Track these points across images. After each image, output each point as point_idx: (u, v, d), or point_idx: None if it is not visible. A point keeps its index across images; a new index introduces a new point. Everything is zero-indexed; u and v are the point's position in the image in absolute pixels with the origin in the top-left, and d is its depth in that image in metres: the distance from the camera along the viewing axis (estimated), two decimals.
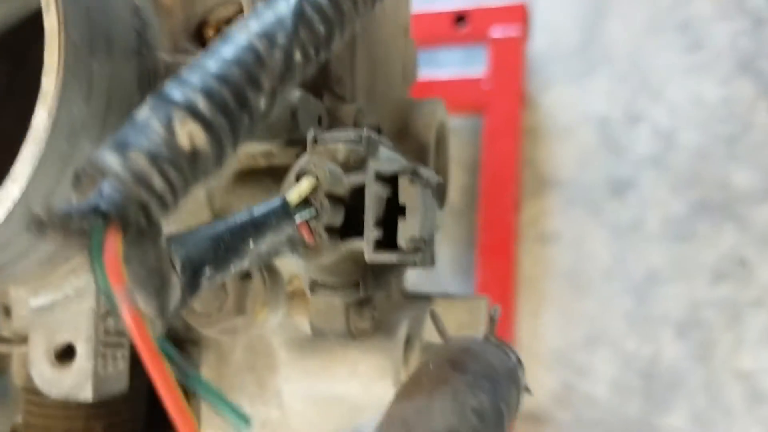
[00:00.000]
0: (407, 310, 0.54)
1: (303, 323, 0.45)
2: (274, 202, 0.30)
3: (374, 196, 0.30)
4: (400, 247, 0.31)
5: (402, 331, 0.48)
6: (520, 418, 1.24)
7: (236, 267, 0.28)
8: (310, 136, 0.34)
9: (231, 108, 0.25)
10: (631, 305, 1.23)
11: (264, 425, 0.50)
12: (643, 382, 1.21)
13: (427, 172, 0.35)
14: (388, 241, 0.32)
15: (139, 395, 0.43)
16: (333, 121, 0.42)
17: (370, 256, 0.30)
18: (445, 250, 1.33)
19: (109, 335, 0.38)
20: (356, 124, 0.42)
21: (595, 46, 1.30)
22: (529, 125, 1.30)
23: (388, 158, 0.34)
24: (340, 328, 0.43)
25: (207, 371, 0.50)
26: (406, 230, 0.31)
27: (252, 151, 0.42)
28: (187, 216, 0.41)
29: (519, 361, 0.43)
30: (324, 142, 0.33)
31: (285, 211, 0.30)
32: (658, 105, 1.26)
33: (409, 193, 0.31)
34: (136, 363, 0.42)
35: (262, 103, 0.26)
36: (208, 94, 0.24)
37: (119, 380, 0.39)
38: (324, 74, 0.44)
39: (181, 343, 0.48)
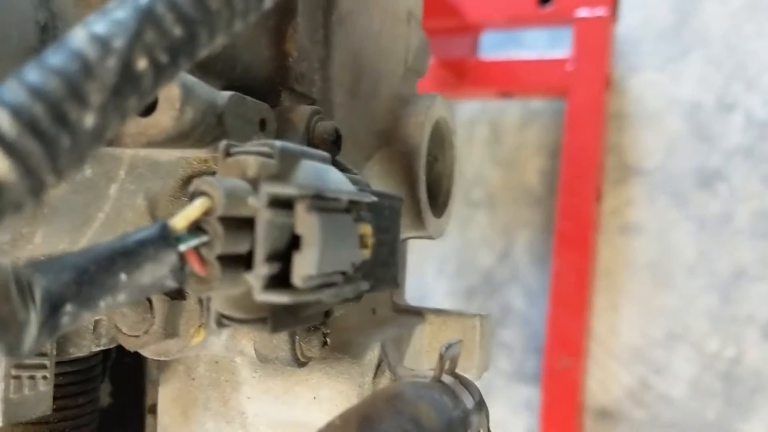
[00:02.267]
0: (390, 328, 0.49)
1: (248, 348, 0.40)
2: (152, 228, 0.25)
3: (267, 225, 0.25)
4: (295, 286, 0.25)
5: (371, 355, 0.43)
6: (592, 413, 1.20)
7: (108, 303, 0.23)
8: (221, 147, 0.28)
9: (44, 128, 0.20)
10: (716, 303, 1.16)
11: None
12: (724, 384, 1.15)
13: (354, 194, 0.30)
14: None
15: (86, 411, 0.40)
16: (284, 125, 0.37)
17: (258, 295, 0.25)
18: (521, 236, 1.28)
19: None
20: (310, 128, 0.37)
21: (688, 28, 1.23)
22: (614, 110, 1.24)
23: (315, 174, 0.28)
24: (284, 355, 0.39)
25: (172, 385, 0.46)
26: (302, 266, 0.25)
27: (187, 156, 0.37)
28: (126, 226, 0.36)
29: (479, 404, 0.38)
30: (236, 154, 0.28)
31: (164, 239, 0.25)
32: (753, 93, 1.18)
33: (306, 223, 0.25)
34: (88, 379, 0.40)
35: (88, 120, 0.21)
36: (16, 111, 0.20)
37: (39, 403, 0.36)
38: (282, 71, 0.38)
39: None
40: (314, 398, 0.43)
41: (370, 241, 0.31)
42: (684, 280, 1.18)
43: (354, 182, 0.32)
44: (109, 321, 0.38)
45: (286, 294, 0.26)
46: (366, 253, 0.31)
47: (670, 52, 1.23)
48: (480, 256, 1.30)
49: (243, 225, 0.26)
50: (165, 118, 0.30)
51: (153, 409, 0.44)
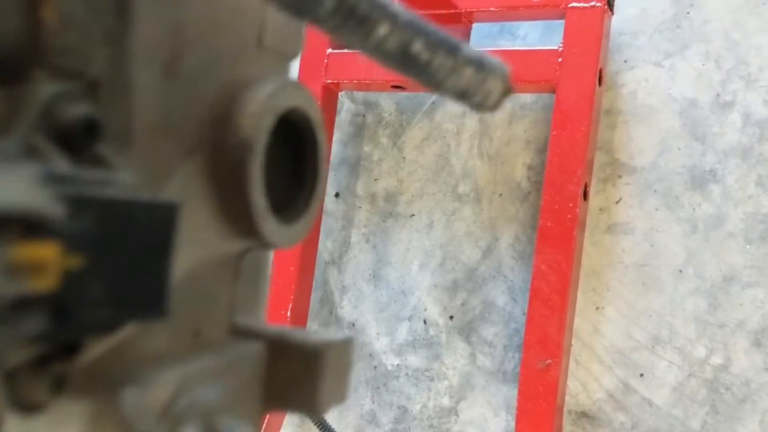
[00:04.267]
0: (208, 357, 0.40)
1: None
2: None
3: None
4: None
5: (157, 396, 0.34)
6: (573, 415, 1.17)
7: None
8: None
9: None
10: (704, 308, 1.12)
11: None
12: (710, 393, 1.11)
13: (12, 208, 0.22)
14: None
15: None
16: (17, 108, 0.30)
17: None
18: (507, 232, 1.25)
19: None
20: (52, 114, 0.29)
21: (688, 22, 1.19)
22: (607, 106, 1.20)
23: None
24: None
25: None
26: None
27: None
28: None
29: None
30: None
31: None
32: (753, 90, 1.14)
33: None
34: None
35: None
36: None
37: None
38: (35, 42, 0.31)
39: None
40: None
41: (58, 265, 0.24)
42: (672, 283, 1.14)
43: (97, 183, 0.26)
44: None
45: None
46: (42, 283, 0.24)
47: (667, 47, 1.19)
48: (465, 250, 1.28)
49: None
50: None
51: None
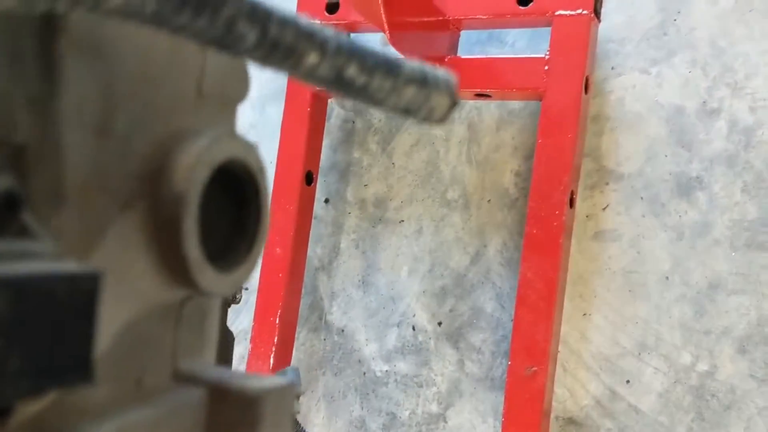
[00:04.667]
0: (146, 408, 0.40)
1: None
2: None
3: None
4: None
5: None
6: (560, 422, 1.17)
7: None
8: None
9: None
10: (690, 315, 1.13)
11: None
12: (696, 400, 1.11)
13: None
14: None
15: None
16: None
17: None
18: (495, 239, 1.26)
19: None
20: None
21: (674, 29, 1.19)
22: (593, 113, 1.21)
23: None
24: None
25: None
26: None
27: None
28: None
29: None
30: None
31: None
32: (739, 98, 1.14)
33: None
34: None
35: None
36: None
37: None
38: None
39: None
40: None
41: None
42: (658, 290, 1.15)
43: (18, 256, 0.26)
44: None
45: None
46: None
47: (654, 54, 1.19)
48: (454, 256, 1.28)
49: None
50: None
51: None
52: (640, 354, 1.15)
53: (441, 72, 0.46)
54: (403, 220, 1.33)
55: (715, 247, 1.12)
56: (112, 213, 0.39)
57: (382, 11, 1.12)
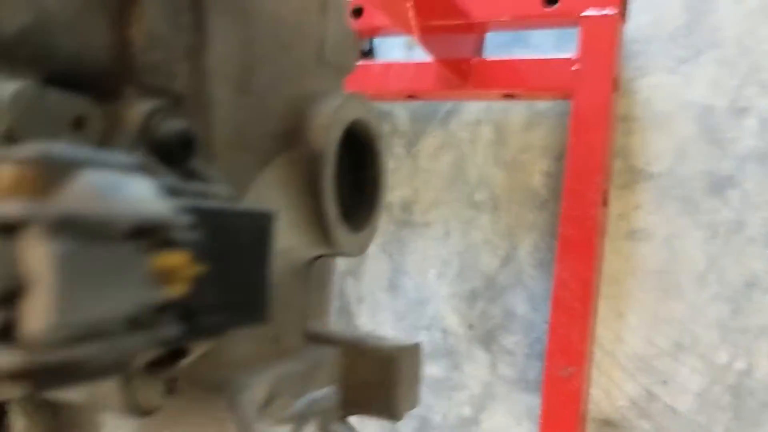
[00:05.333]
0: (290, 362, 0.42)
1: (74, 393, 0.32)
2: None
3: None
4: (20, 339, 0.18)
5: (251, 397, 0.36)
6: (595, 423, 1.16)
7: None
8: None
9: None
10: (726, 314, 1.12)
11: None
12: (734, 399, 1.11)
13: (154, 216, 0.22)
14: None
15: None
16: (114, 124, 0.30)
17: None
18: (525, 240, 1.25)
19: None
20: (149, 129, 0.30)
21: (701, 29, 1.19)
22: (622, 112, 1.20)
23: (95, 189, 0.20)
24: (117, 404, 0.30)
25: (33, 422, 0.39)
26: (32, 316, 0.18)
27: None
28: None
29: None
30: None
31: None
32: None
33: (39, 257, 0.18)
34: None
35: None
36: None
37: None
38: (125, 61, 0.31)
39: None
40: None
41: (185, 273, 0.25)
42: (693, 289, 1.14)
43: (200, 195, 0.26)
44: None
45: (11, 354, 0.18)
46: (175, 290, 0.24)
47: (681, 53, 1.19)
48: (483, 259, 1.27)
49: None
50: None
51: None
52: (676, 354, 1.14)
53: None
54: (430, 223, 1.32)
55: (750, 245, 1.12)
56: (253, 171, 0.41)
57: (411, 14, 1.11)
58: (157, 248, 0.23)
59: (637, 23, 1.21)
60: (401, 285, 1.33)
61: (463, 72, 1.22)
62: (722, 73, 1.17)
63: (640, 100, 1.20)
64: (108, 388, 0.31)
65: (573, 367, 1.12)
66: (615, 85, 1.16)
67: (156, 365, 0.31)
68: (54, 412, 0.40)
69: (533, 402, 1.21)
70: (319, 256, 0.47)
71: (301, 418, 0.30)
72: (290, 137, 0.42)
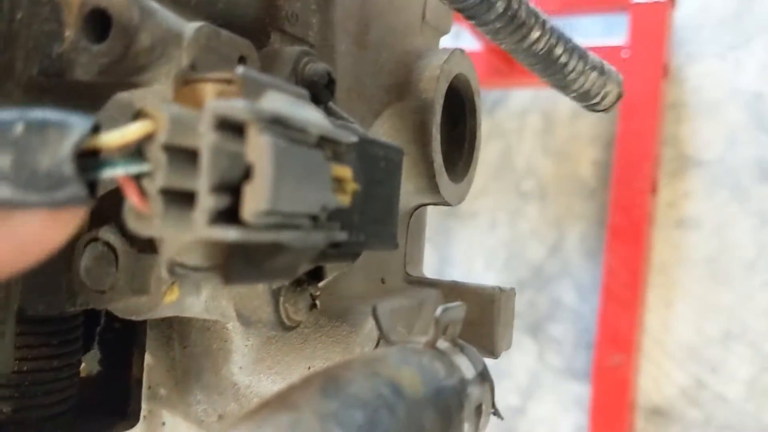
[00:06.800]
0: (398, 299, 0.45)
1: (229, 310, 0.36)
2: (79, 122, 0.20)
3: (212, 149, 0.21)
4: (245, 222, 0.21)
5: (373, 325, 0.39)
6: (644, 412, 1.17)
7: None
8: (177, 75, 0.26)
9: None
10: None
11: (221, 418, 0.43)
12: None
13: (329, 130, 0.25)
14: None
15: (63, 376, 0.37)
16: (269, 64, 0.34)
17: (200, 230, 0.21)
18: (573, 230, 1.25)
19: None
20: (298, 70, 0.34)
21: (750, 14, 1.18)
22: (672, 100, 1.20)
23: (282, 105, 0.24)
24: (267, 318, 0.34)
25: (163, 353, 0.43)
26: (252, 198, 0.21)
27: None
28: None
29: (481, 376, 0.34)
30: (193, 82, 0.24)
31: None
32: None
33: (257, 148, 0.21)
34: (64, 342, 0.36)
35: None
36: None
37: None
38: (272, 9, 0.36)
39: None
40: (308, 368, 0.40)
41: (350, 187, 0.27)
42: (743, 277, 1.14)
43: (343, 127, 0.28)
44: (76, 276, 0.34)
45: (233, 229, 0.21)
46: (343, 200, 0.27)
47: (730, 40, 1.18)
48: (530, 249, 1.28)
49: (192, 158, 0.22)
50: (117, 44, 0.27)
51: (142, 379, 0.42)
52: (725, 342, 1.14)
53: (611, 66, 0.52)
54: (476, 213, 1.33)
55: None
56: (369, 120, 0.45)
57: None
58: (333, 160, 0.26)
59: (687, 10, 1.20)
60: (448, 275, 1.34)
61: (511, 60, 1.22)
62: None
63: (689, 87, 1.20)
64: (259, 301, 0.34)
65: (623, 356, 1.12)
66: (664, 72, 1.15)
67: (299, 284, 0.34)
68: (182, 347, 0.43)
69: (580, 391, 1.21)
70: (418, 206, 0.50)
71: (438, 325, 0.32)
72: (399, 89, 0.46)
